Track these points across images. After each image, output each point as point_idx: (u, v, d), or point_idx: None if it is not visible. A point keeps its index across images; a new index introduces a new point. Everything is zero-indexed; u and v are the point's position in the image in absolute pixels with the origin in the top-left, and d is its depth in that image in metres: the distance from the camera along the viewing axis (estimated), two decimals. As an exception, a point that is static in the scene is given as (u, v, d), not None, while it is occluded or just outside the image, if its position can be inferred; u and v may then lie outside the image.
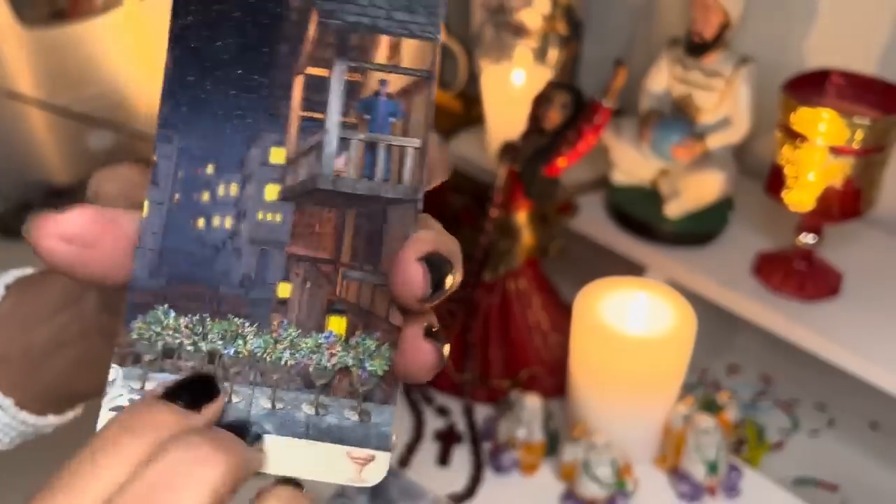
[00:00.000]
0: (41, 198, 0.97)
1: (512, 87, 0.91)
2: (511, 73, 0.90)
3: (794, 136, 0.69)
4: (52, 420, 0.39)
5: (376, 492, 0.67)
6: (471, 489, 0.70)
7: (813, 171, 0.70)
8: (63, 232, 0.27)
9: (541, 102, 0.73)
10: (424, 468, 0.71)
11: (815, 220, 0.74)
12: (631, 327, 0.70)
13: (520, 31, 0.89)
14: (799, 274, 0.75)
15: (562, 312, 0.78)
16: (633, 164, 0.83)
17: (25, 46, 0.91)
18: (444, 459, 0.72)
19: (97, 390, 0.35)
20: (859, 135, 0.66)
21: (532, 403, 0.71)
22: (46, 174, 0.98)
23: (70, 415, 0.40)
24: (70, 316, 0.36)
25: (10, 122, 0.92)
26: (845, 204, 0.70)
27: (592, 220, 0.86)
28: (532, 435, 0.71)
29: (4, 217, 0.95)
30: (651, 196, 0.84)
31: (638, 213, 0.83)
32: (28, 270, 0.40)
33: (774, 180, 0.73)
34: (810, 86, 0.72)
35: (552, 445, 0.72)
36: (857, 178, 0.69)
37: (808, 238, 0.75)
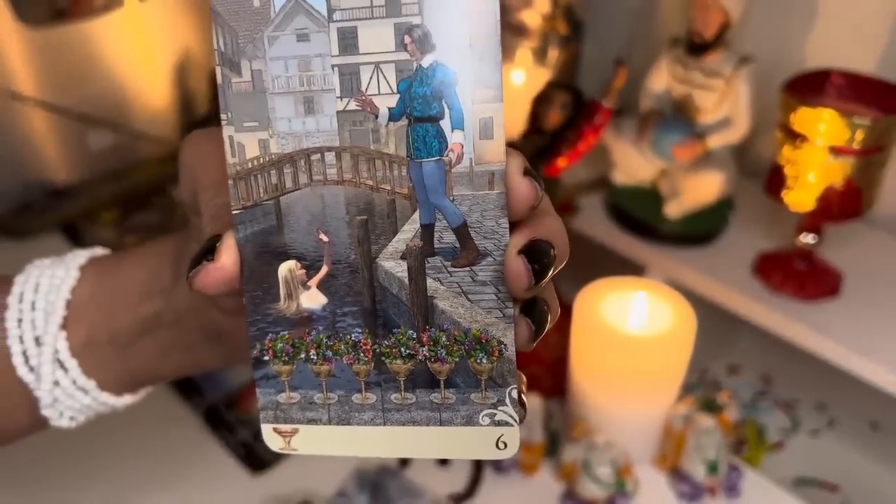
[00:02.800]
0: (42, 198, 0.97)
1: (512, 87, 0.91)
2: (511, 74, 0.90)
3: (794, 136, 0.69)
4: (127, 399, 0.40)
5: (376, 491, 0.67)
6: (471, 489, 0.70)
7: (813, 171, 0.70)
8: (220, 278, 0.30)
9: (541, 102, 0.73)
10: (424, 468, 0.71)
11: (816, 220, 0.74)
12: (631, 327, 0.70)
13: (520, 30, 0.89)
14: (799, 274, 0.75)
15: (561, 312, 0.78)
16: (633, 164, 0.83)
17: (26, 46, 0.91)
18: (443, 459, 0.72)
19: (181, 374, 0.39)
20: (859, 135, 0.66)
21: (532, 403, 0.71)
22: (47, 174, 0.98)
23: (142, 394, 0.41)
24: (162, 304, 0.37)
25: (11, 121, 0.92)
26: (845, 204, 0.70)
27: (593, 220, 0.86)
28: (532, 435, 0.71)
29: (6, 217, 0.95)
30: (651, 196, 0.84)
31: (638, 213, 0.83)
32: (99, 250, 0.41)
33: (774, 180, 0.73)
34: (810, 86, 0.72)
35: (552, 445, 0.72)
36: (857, 177, 0.69)
37: (808, 238, 0.75)
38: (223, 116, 0.29)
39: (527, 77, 0.89)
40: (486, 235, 0.29)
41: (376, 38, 0.28)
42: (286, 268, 0.30)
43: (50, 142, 0.96)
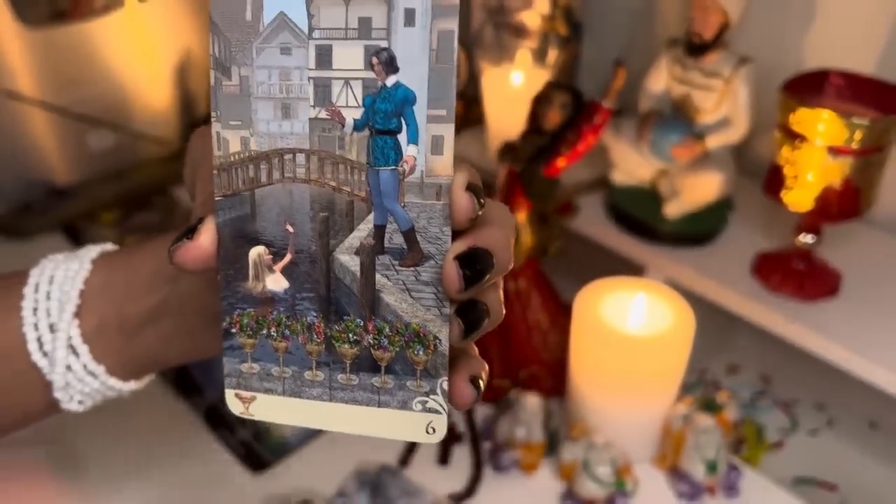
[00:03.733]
0: (42, 198, 0.97)
1: (512, 88, 0.91)
2: (511, 74, 0.90)
3: (793, 137, 0.70)
4: (132, 385, 0.44)
5: (376, 491, 0.67)
6: (470, 489, 0.70)
7: (812, 172, 0.70)
8: (197, 256, 0.34)
9: (540, 102, 0.73)
10: (424, 468, 0.71)
11: (814, 220, 0.74)
12: (630, 327, 0.70)
13: (520, 31, 0.89)
14: (798, 274, 0.76)
15: (561, 312, 0.78)
16: (632, 164, 0.83)
17: (26, 47, 0.91)
18: (444, 459, 0.72)
19: (183, 360, 0.42)
20: (858, 135, 0.67)
21: (532, 403, 0.71)
22: (47, 174, 0.98)
23: (146, 381, 0.44)
24: (167, 292, 0.40)
25: (11, 122, 0.93)
26: (844, 204, 0.71)
27: (592, 220, 0.86)
28: (532, 434, 0.71)
29: (6, 217, 0.95)
30: (650, 196, 0.84)
31: (637, 213, 0.83)
32: (109, 246, 0.44)
33: (773, 180, 0.73)
34: (809, 86, 0.72)
35: (552, 445, 0.72)
36: (856, 178, 0.69)
37: (807, 238, 0.75)
38: (213, 114, 0.33)
39: (526, 77, 0.89)
40: (430, 240, 0.32)
41: (348, 56, 0.32)
42: (256, 252, 0.34)
43: (50, 142, 0.96)
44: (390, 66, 0.32)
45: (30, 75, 0.92)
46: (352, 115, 0.32)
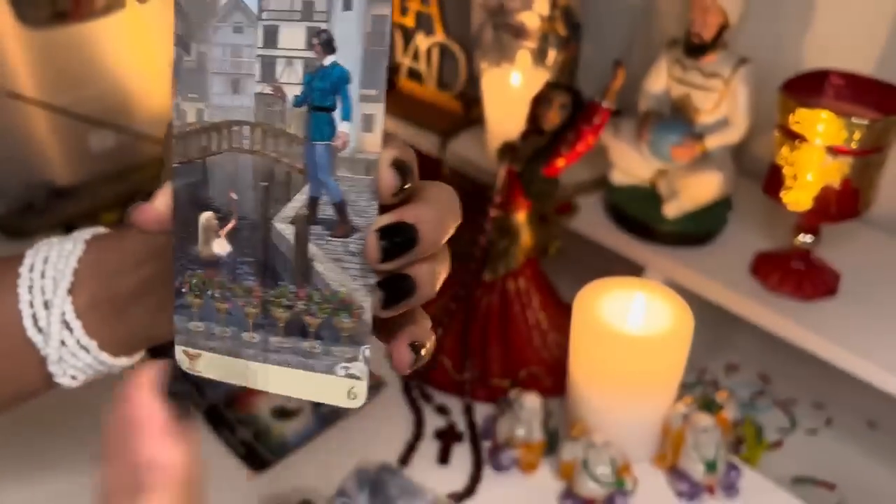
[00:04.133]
0: (43, 198, 0.97)
1: (512, 89, 0.91)
2: (511, 75, 0.91)
3: (792, 137, 0.70)
4: (124, 361, 0.45)
5: (376, 490, 0.67)
6: (470, 488, 0.70)
7: (811, 172, 0.70)
8: (152, 217, 0.37)
9: (540, 103, 0.73)
10: (424, 467, 0.71)
11: (813, 220, 0.74)
12: (630, 327, 0.70)
13: (519, 32, 0.89)
14: (797, 273, 0.76)
15: (561, 312, 0.79)
16: (631, 164, 0.84)
17: (27, 47, 0.91)
18: (443, 458, 0.73)
19: (170, 337, 0.42)
20: (857, 135, 0.67)
21: (531, 402, 0.71)
22: (48, 175, 0.98)
23: (137, 357, 0.46)
24: (154, 268, 0.42)
25: (13, 122, 0.93)
26: (843, 204, 0.71)
27: (591, 220, 0.86)
28: (531, 434, 0.71)
29: (7, 217, 0.95)
30: (650, 196, 0.84)
31: (637, 213, 0.84)
32: (101, 229, 0.46)
33: (773, 180, 0.73)
34: (808, 86, 0.72)
35: (551, 444, 0.72)
36: (856, 178, 0.69)
37: (806, 238, 0.75)
38: (173, 87, 0.35)
39: (526, 78, 0.89)
40: (359, 213, 0.34)
41: (292, 37, 0.34)
42: (205, 217, 0.36)
43: (51, 142, 0.97)
44: (328, 46, 0.33)
45: (31, 76, 0.92)
46: (293, 91, 0.34)
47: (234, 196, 0.36)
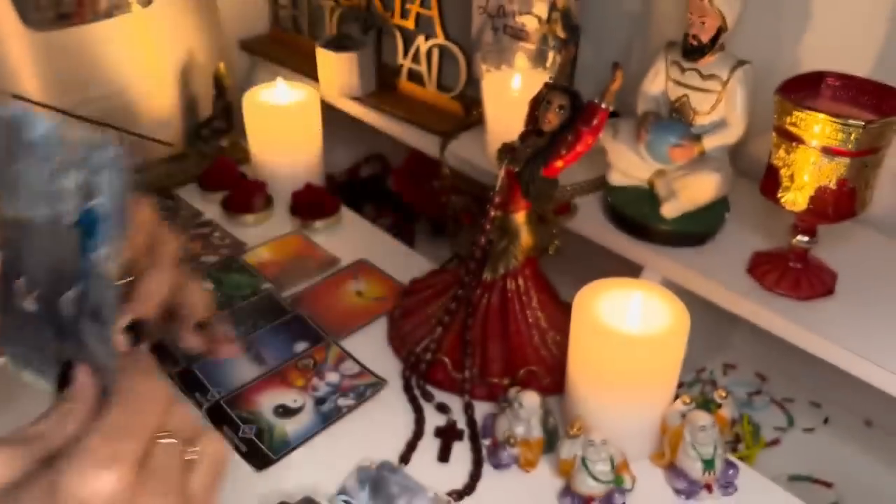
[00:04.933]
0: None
1: (511, 90, 0.92)
2: (510, 77, 0.91)
3: (789, 138, 0.70)
4: None
5: (377, 488, 0.68)
6: (470, 485, 0.71)
7: (808, 173, 0.70)
8: None
9: (539, 104, 0.74)
10: (424, 465, 0.72)
11: (810, 221, 0.75)
12: (628, 327, 0.70)
13: (519, 34, 0.90)
14: (794, 273, 0.76)
15: (560, 311, 0.79)
16: (629, 165, 0.84)
17: (31, 49, 0.91)
18: (443, 456, 0.73)
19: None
20: (854, 136, 0.67)
21: (531, 401, 0.72)
22: (51, 175, 0.98)
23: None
24: None
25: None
26: (840, 204, 0.71)
27: (590, 221, 0.87)
28: (531, 432, 0.71)
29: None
30: (648, 197, 0.84)
31: (635, 213, 0.84)
32: None
33: (770, 181, 0.74)
34: (805, 88, 0.73)
35: (550, 442, 0.73)
36: (852, 179, 0.70)
37: (803, 238, 0.76)
38: None
39: (525, 80, 0.90)
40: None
41: None
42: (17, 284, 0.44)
43: (54, 144, 0.97)
44: None
45: (34, 78, 0.93)
46: None
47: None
